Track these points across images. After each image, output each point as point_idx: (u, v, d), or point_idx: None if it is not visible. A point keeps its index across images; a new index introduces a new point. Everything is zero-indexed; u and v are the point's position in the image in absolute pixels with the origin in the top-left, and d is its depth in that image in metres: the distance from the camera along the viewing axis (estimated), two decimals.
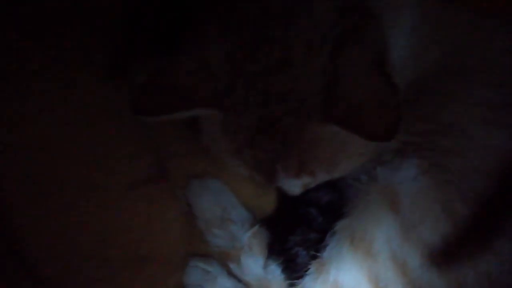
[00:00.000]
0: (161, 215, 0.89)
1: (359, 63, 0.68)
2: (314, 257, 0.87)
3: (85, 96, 0.84)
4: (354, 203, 0.85)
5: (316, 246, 0.88)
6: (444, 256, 0.79)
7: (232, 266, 0.92)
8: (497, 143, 0.80)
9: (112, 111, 0.85)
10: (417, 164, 0.81)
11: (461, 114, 0.82)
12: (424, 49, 0.81)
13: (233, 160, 0.76)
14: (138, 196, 0.87)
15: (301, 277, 0.87)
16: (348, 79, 0.67)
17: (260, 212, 0.95)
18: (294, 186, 0.80)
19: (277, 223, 0.94)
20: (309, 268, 0.86)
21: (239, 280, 0.92)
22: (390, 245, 0.80)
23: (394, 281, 0.80)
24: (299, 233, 0.91)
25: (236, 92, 0.71)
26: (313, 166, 0.74)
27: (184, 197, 0.92)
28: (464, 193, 0.79)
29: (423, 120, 0.82)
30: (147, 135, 0.89)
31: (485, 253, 0.78)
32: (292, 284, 0.89)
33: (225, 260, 0.92)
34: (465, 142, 0.81)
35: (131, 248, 0.87)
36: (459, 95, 0.83)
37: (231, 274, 0.92)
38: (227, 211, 0.93)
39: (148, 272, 0.88)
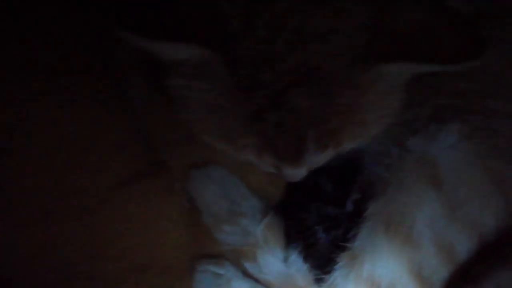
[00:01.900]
0: (158, 215, 0.78)
1: None
2: (344, 249, 0.77)
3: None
4: (386, 182, 0.75)
5: (336, 227, 0.81)
6: (497, 237, 0.70)
7: (248, 265, 0.83)
8: None
9: (89, 97, 0.73)
10: (458, 129, 0.72)
11: (508, 66, 0.73)
12: None
13: (236, 138, 0.64)
14: (128, 196, 0.75)
15: (329, 271, 0.78)
16: (397, 8, 0.59)
17: (274, 199, 0.86)
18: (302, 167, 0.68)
19: (289, 205, 0.85)
20: (334, 258, 0.77)
21: (257, 280, 0.83)
22: (433, 228, 0.71)
23: (440, 269, 0.71)
24: (313, 209, 0.83)
25: (256, 36, 0.58)
26: (345, 132, 0.63)
27: (184, 192, 0.82)
28: None
29: (462, 77, 0.72)
30: (133, 123, 0.78)
31: None
32: (319, 280, 0.80)
33: (239, 259, 0.83)
34: None
35: (127, 258, 0.76)
36: (502, 43, 0.72)
37: (247, 274, 0.83)
38: (237, 202, 0.83)
39: (150, 283, 0.77)
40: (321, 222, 0.81)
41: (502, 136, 0.71)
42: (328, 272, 0.78)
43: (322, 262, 0.80)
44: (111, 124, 0.75)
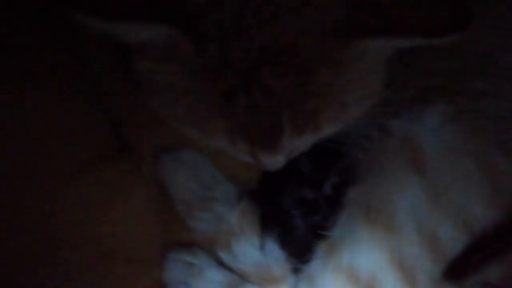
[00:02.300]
0: (125, 201, 0.74)
1: None
2: (322, 237, 0.74)
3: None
4: (366, 166, 0.73)
5: (314, 213, 0.78)
6: (482, 224, 0.68)
7: (222, 254, 0.79)
8: None
9: (52, 78, 0.69)
10: (442, 111, 0.69)
11: (496, 44, 0.70)
12: None
13: (206, 123, 0.59)
14: (92, 181, 0.71)
15: (306, 261, 0.76)
16: None
17: (250, 184, 0.82)
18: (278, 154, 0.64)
19: (265, 189, 0.81)
20: (312, 248, 0.75)
21: (231, 269, 0.80)
22: (415, 215, 0.69)
23: (422, 259, 0.69)
24: (290, 191, 0.79)
25: (224, 10, 0.54)
26: (324, 115, 0.59)
27: (153, 176, 0.78)
28: (503, 144, 0.68)
29: (447, 56, 0.70)
30: (98, 105, 0.74)
31: None
32: (297, 270, 0.78)
33: (212, 248, 0.80)
34: (503, 81, 0.69)
35: (92, 246, 0.71)
36: (491, 18, 0.70)
37: (221, 264, 0.80)
38: (210, 188, 0.79)
39: (115, 273, 0.73)
40: (298, 206, 0.78)
41: (489, 117, 0.68)
42: (306, 262, 0.75)
43: (299, 251, 0.77)
44: (74, 105, 0.71)
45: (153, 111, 0.64)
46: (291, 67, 0.55)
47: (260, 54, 0.54)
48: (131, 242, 0.75)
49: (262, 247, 0.79)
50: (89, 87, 0.72)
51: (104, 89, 0.74)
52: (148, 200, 0.76)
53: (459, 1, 0.55)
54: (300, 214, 0.78)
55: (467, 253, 0.67)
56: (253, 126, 0.58)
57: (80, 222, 0.70)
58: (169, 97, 0.60)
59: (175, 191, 0.79)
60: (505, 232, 0.67)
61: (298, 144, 0.62)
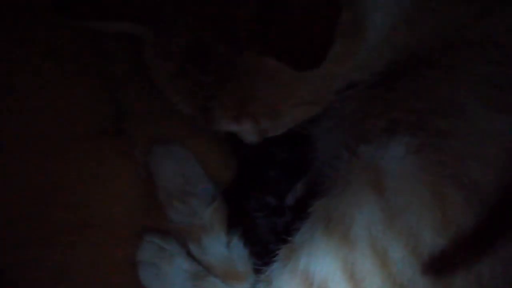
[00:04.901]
0: (114, 177, 0.80)
1: None
2: (284, 241, 0.78)
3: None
4: (333, 182, 0.77)
5: (276, 216, 0.84)
6: (430, 251, 0.71)
7: (192, 245, 0.84)
8: (499, 128, 0.73)
9: (72, 52, 0.78)
10: (406, 143, 0.74)
11: (461, 92, 0.75)
12: (419, 16, 0.74)
13: (169, 90, 0.70)
14: (89, 150, 0.78)
15: (267, 262, 0.80)
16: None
17: (226, 184, 0.88)
18: (244, 133, 0.73)
19: (235, 190, 0.88)
20: (272, 249, 0.79)
21: (199, 261, 0.84)
22: (370, 231, 0.72)
23: (372, 274, 0.72)
24: (254, 197, 0.86)
25: (166, 12, 0.64)
26: (253, 109, 0.67)
27: (143, 161, 0.84)
28: (457, 178, 0.71)
29: (418, 97, 0.76)
30: (110, 86, 0.81)
31: (477, 251, 0.71)
32: (258, 270, 0.83)
33: (184, 239, 0.84)
34: (464, 124, 0.74)
35: (74, 210, 0.77)
36: (460, 71, 0.76)
37: (190, 254, 0.85)
38: (191, 183, 0.84)
39: (93, 240, 0.78)
40: (261, 210, 0.84)
41: (447, 154, 0.72)
42: (267, 263, 0.79)
43: (260, 250, 0.82)
44: (88, 80, 0.78)
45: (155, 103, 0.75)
46: (209, 66, 0.64)
47: (187, 51, 0.64)
48: (112, 215, 0.79)
49: (228, 244, 0.84)
50: (102, 70, 0.79)
51: (115, 75, 0.81)
52: (135, 181, 0.81)
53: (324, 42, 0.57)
54: (263, 216, 0.84)
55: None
56: (195, 103, 0.68)
57: (71, 185, 0.76)
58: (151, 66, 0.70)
59: (160, 180, 0.83)
60: None
61: (249, 129, 0.71)
